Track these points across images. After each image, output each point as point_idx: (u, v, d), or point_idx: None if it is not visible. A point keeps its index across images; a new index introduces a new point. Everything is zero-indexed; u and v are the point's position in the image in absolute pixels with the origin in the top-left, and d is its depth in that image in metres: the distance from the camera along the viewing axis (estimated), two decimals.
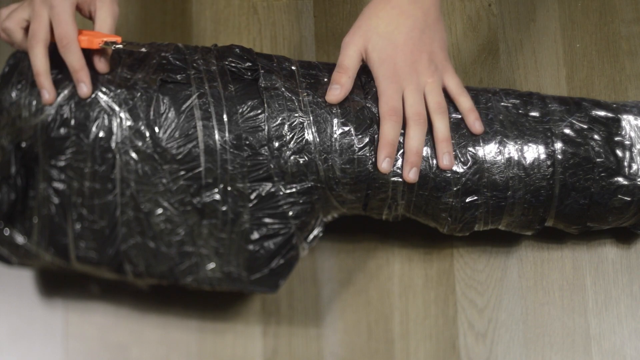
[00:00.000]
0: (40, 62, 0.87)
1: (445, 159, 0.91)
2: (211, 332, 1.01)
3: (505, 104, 0.96)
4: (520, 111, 0.95)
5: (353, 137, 0.91)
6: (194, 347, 1.00)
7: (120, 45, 0.88)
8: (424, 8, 0.93)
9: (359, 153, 0.91)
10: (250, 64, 0.93)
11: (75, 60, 0.87)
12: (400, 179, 0.92)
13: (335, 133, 0.91)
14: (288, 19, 1.13)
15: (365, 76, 0.95)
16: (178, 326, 1.01)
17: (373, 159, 0.91)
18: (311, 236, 0.94)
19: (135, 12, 1.13)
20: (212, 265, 0.91)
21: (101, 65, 0.89)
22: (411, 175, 0.91)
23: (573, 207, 0.95)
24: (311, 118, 0.91)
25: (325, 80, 0.94)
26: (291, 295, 1.02)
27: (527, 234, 0.99)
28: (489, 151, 0.93)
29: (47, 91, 0.88)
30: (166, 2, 1.13)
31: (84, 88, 0.88)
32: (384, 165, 0.90)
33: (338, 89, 0.91)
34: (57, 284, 1.02)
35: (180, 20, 1.12)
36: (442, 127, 0.92)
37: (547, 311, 1.02)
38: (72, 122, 0.88)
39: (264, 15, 1.13)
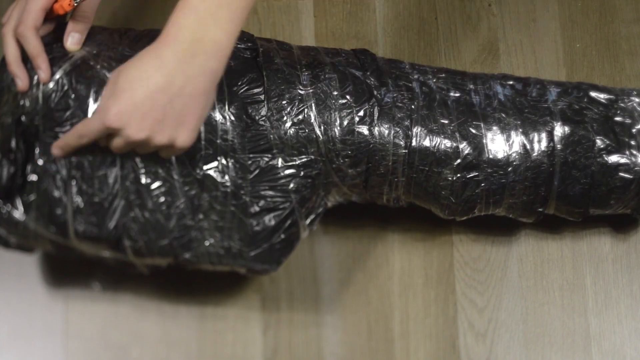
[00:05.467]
0: (9, 50, 0.88)
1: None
2: (211, 332, 1.01)
3: (503, 84, 0.97)
4: (519, 91, 0.97)
5: (352, 109, 0.92)
6: (194, 347, 1.00)
7: None
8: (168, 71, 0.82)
9: (359, 125, 0.92)
10: (250, 44, 0.93)
11: (32, 47, 0.87)
12: (403, 151, 0.92)
13: (335, 105, 0.92)
14: (288, 19, 1.13)
15: (362, 56, 0.96)
16: (178, 326, 1.01)
17: (373, 131, 0.92)
18: (312, 215, 0.94)
19: (135, 13, 1.13)
20: (211, 240, 0.91)
21: (69, 40, 0.90)
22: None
23: (575, 187, 0.95)
24: (310, 90, 0.92)
25: (327, 59, 0.94)
26: (291, 295, 1.02)
27: (529, 220, 0.99)
28: (488, 127, 0.94)
29: (20, 79, 0.88)
30: (166, 2, 1.13)
31: (42, 74, 0.88)
32: None
33: None
34: (57, 284, 1.02)
35: None
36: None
37: (547, 311, 1.02)
38: (73, 94, 0.89)
39: (264, 15, 1.13)
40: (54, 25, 0.91)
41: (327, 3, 1.13)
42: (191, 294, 1.01)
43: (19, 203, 0.89)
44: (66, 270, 1.01)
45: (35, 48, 0.88)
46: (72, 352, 1.00)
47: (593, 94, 0.98)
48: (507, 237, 1.03)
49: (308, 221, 0.94)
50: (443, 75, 0.97)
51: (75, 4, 0.89)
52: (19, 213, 0.89)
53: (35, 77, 0.89)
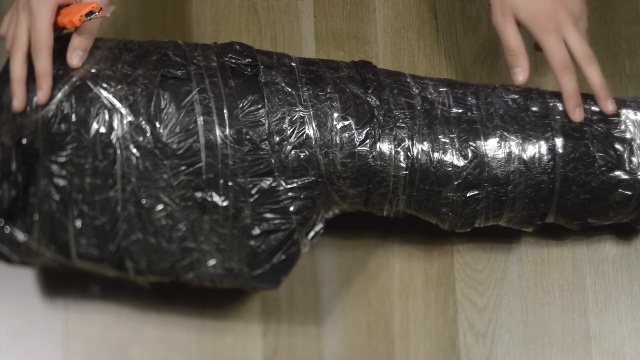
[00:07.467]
0: (17, 69, 0.88)
1: (610, 105, 0.96)
2: (211, 332, 1.01)
3: (505, 99, 0.96)
4: (520, 106, 0.96)
5: (353, 131, 0.92)
6: (194, 347, 1.00)
7: (97, 13, 0.88)
8: None
9: (360, 147, 0.92)
10: (250, 60, 0.93)
11: (42, 67, 0.88)
12: (404, 172, 0.92)
13: (336, 127, 0.91)
14: (288, 19, 1.13)
15: (364, 71, 0.95)
16: (178, 326, 1.01)
17: (374, 153, 0.92)
18: (312, 232, 0.94)
19: (135, 13, 1.13)
20: (213, 262, 0.91)
21: (75, 58, 0.90)
22: (611, 107, 0.95)
23: (574, 202, 0.95)
24: (311, 112, 0.91)
25: (326, 75, 0.94)
26: (291, 295, 1.02)
27: (528, 230, 0.99)
28: (489, 145, 0.94)
29: (18, 99, 0.88)
30: (166, 2, 1.13)
31: (40, 95, 0.88)
32: (577, 115, 0.95)
33: (520, 71, 0.96)
34: (57, 284, 1.02)
35: (180, 20, 1.12)
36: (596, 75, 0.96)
37: (547, 311, 1.02)
38: (73, 117, 0.89)
39: (264, 15, 1.13)
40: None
41: (327, 3, 1.13)
42: (191, 293, 1.01)
43: (21, 224, 0.90)
44: (66, 271, 1.01)
45: (45, 68, 0.88)
46: (72, 353, 1.00)
47: (594, 108, 0.97)
48: (507, 237, 1.03)
49: (308, 238, 0.94)
50: (444, 89, 0.96)
51: (88, 20, 0.89)
52: (21, 234, 0.90)
53: (35, 99, 0.88)
